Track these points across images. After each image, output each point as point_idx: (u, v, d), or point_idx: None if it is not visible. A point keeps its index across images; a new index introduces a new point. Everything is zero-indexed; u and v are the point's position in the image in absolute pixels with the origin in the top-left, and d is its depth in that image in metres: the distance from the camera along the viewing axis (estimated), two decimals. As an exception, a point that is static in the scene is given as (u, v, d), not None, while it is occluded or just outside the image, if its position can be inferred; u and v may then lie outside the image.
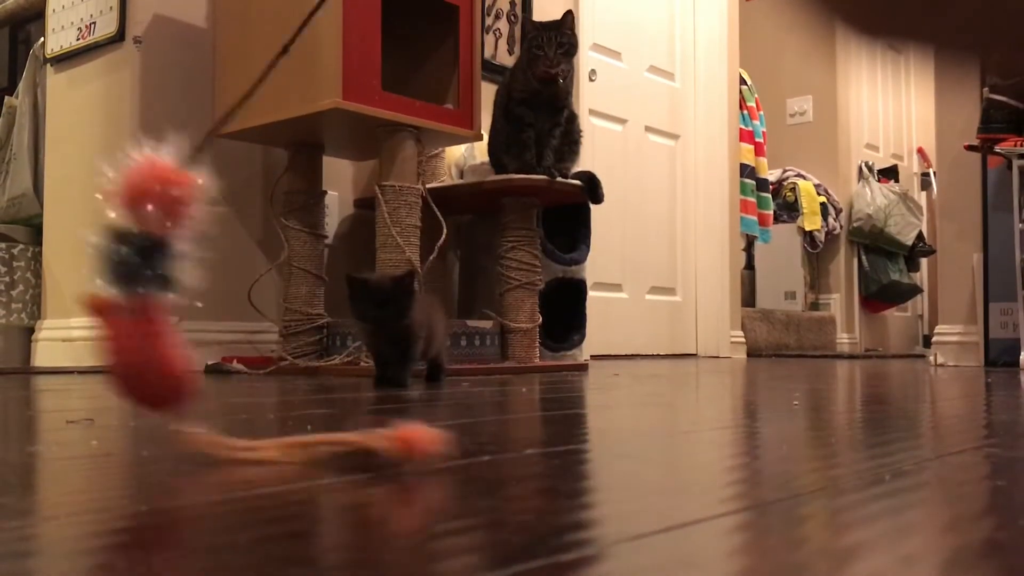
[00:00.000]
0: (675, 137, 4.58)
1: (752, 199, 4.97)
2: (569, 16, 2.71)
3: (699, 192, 4.62)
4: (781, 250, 5.44)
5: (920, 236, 5.85)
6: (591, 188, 2.89)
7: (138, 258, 0.77)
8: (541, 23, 2.73)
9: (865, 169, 5.80)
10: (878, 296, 5.79)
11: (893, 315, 6.23)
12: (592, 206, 3.08)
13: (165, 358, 0.77)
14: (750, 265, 5.54)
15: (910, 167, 6.52)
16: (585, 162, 3.01)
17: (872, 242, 5.70)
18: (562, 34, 2.68)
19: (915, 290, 6.02)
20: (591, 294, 3.29)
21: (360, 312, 1.72)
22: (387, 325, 1.73)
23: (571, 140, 2.84)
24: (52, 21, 2.82)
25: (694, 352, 4.60)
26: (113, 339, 0.77)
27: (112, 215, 0.78)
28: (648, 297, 4.37)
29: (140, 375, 0.78)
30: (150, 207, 0.77)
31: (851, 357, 4.84)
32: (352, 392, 1.71)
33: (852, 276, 5.75)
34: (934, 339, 3.64)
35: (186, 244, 0.79)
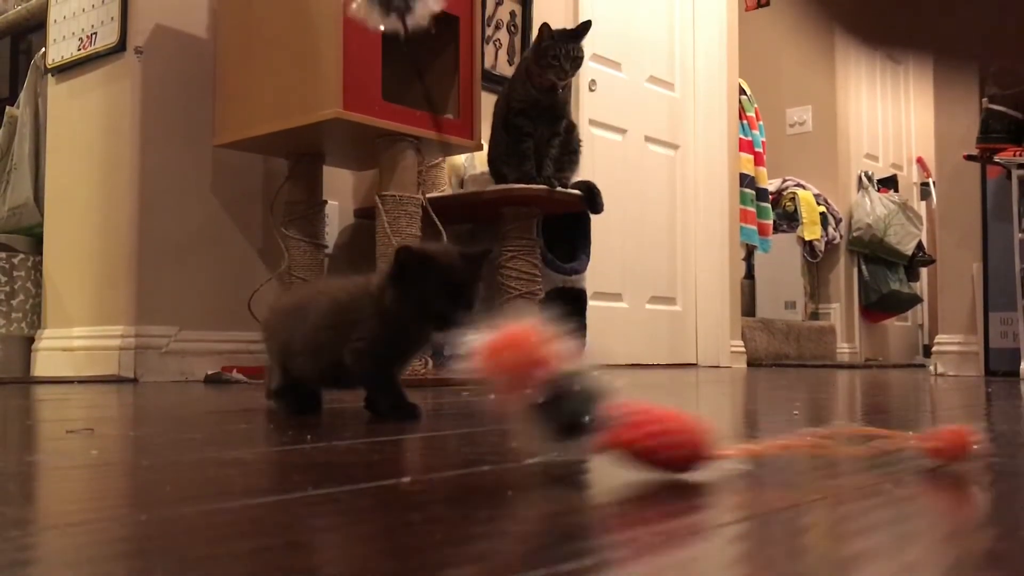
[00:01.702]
0: (675, 147, 4.58)
1: (752, 209, 4.97)
2: (587, 28, 2.73)
3: (699, 202, 4.62)
4: (781, 260, 5.44)
5: (920, 246, 5.86)
6: (591, 198, 2.90)
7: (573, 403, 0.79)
8: (560, 32, 2.73)
9: (865, 179, 5.81)
10: (878, 306, 5.79)
11: (893, 325, 6.22)
12: (592, 216, 3.08)
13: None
14: (750, 275, 5.54)
15: (909, 177, 6.52)
16: (585, 172, 3.01)
17: (872, 252, 5.70)
18: (578, 48, 2.70)
19: (915, 300, 6.02)
20: (591, 303, 3.29)
21: (428, 305, 1.22)
22: (452, 324, 1.23)
23: (570, 150, 2.84)
24: (53, 31, 2.83)
25: (694, 362, 4.60)
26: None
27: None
28: (648, 306, 4.37)
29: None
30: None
31: (851, 367, 4.84)
32: (352, 401, 1.70)
33: (852, 286, 5.75)
34: (934, 349, 3.64)
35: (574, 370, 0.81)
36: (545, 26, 2.72)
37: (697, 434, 0.77)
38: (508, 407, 0.78)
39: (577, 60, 2.71)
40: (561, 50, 2.67)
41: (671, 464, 0.75)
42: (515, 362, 0.77)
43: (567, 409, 0.78)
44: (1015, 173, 3.27)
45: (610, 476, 0.84)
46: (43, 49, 2.92)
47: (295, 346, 1.35)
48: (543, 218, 2.95)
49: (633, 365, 4.19)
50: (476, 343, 0.79)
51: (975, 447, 0.81)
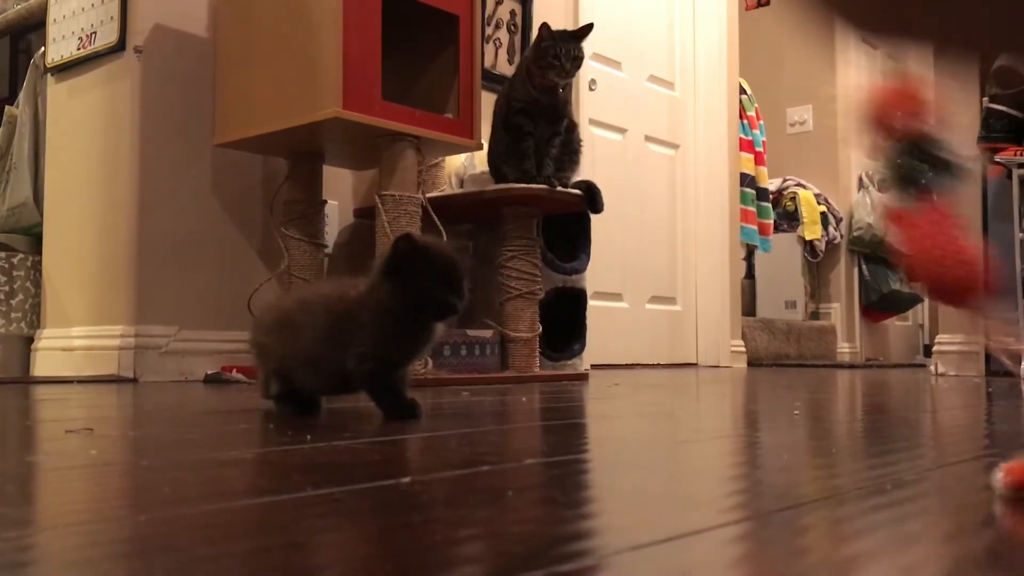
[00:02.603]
0: (675, 146, 4.58)
1: (752, 208, 4.97)
2: (589, 29, 2.73)
3: (699, 201, 4.62)
4: (781, 259, 5.44)
5: (920, 245, 5.85)
6: (591, 197, 2.90)
7: (918, 160, 0.86)
8: (561, 32, 2.73)
9: (865, 178, 5.81)
10: (879, 305, 5.79)
11: (894, 324, 6.22)
12: (592, 215, 3.08)
13: (961, 247, 0.83)
14: (750, 274, 5.54)
15: (910, 176, 6.52)
16: (585, 171, 3.01)
17: (873, 251, 5.70)
18: (578, 48, 2.70)
19: (916, 299, 6.02)
20: (591, 303, 3.28)
21: (426, 293, 1.23)
22: (450, 312, 1.25)
23: (571, 149, 2.84)
24: (53, 31, 2.83)
25: (694, 361, 4.60)
26: (912, 239, 0.84)
27: (872, 133, 0.86)
28: (648, 306, 4.37)
29: (940, 265, 0.83)
30: (908, 114, 0.86)
31: (852, 367, 4.84)
32: (351, 402, 1.71)
33: (853, 285, 5.75)
34: (935, 349, 3.64)
35: (938, 135, 0.88)
36: (544, 26, 2.72)
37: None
38: (879, 140, 0.87)
39: (578, 60, 2.71)
40: (561, 50, 2.67)
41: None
42: (905, 104, 0.86)
43: (919, 164, 0.86)
44: (1016, 172, 3.27)
45: (609, 476, 0.84)
46: (42, 48, 2.92)
47: (295, 359, 1.35)
48: (543, 218, 2.95)
49: (633, 365, 4.19)
50: (872, 87, 0.87)
51: None
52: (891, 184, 0.85)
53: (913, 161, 0.86)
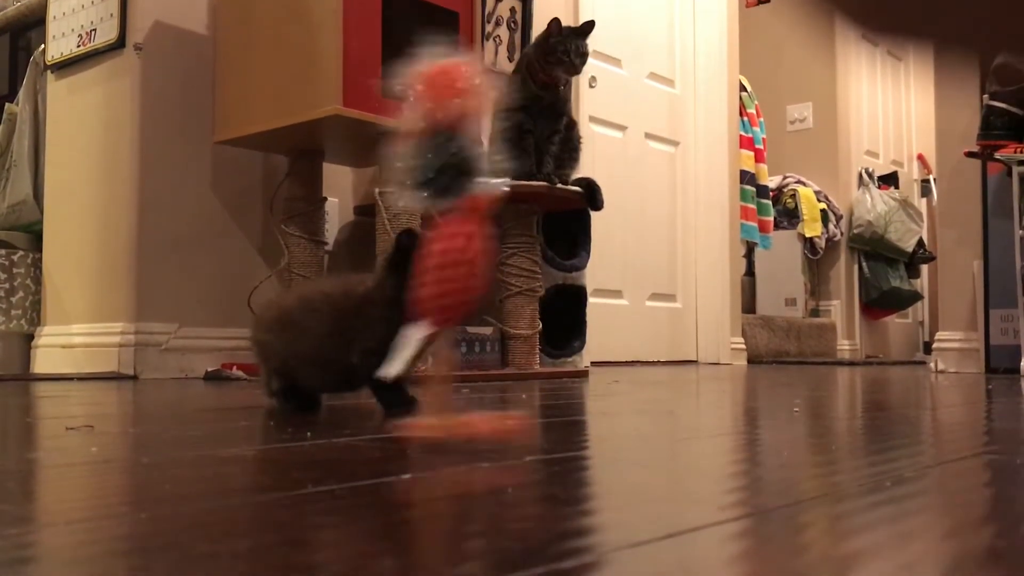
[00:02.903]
0: (675, 144, 4.58)
1: (752, 205, 4.97)
2: (591, 26, 2.76)
3: (699, 198, 4.62)
4: (781, 257, 5.44)
5: (920, 243, 5.85)
6: (591, 194, 2.90)
7: (454, 161, 0.84)
8: (570, 28, 2.77)
9: (865, 176, 5.80)
10: (879, 303, 5.79)
11: (894, 322, 6.22)
12: (592, 212, 3.08)
13: (481, 258, 0.83)
14: (750, 271, 5.54)
15: (910, 173, 6.52)
16: (585, 169, 3.01)
17: (872, 248, 5.70)
18: (584, 44, 2.73)
19: (915, 297, 6.02)
20: (591, 300, 3.29)
21: None
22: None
23: (571, 147, 2.84)
24: (53, 28, 2.83)
25: (694, 359, 4.60)
26: (439, 240, 0.83)
27: (409, 121, 0.85)
28: (648, 303, 4.37)
29: (462, 273, 0.83)
30: (456, 100, 0.83)
31: (852, 364, 4.84)
32: (351, 399, 1.71)
33: (852, 283, 5.75)
34: (935, 346, 3.64)
35: (482, 136, 0.87)
36: (556, 21, 2.73)
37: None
38: (409, 129, 0.84)
39: (584, 56, 2.74)
40: (572, 45, 2.69)
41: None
42: (444, 88, 0.82)
43: (444, 161, 0.82)
44: (1016, 170, 3.26)
45: (610, 473, 0.84)
46: (42, 46, 2.92)
47: (300, 358, 1.34)
48: (543, 215, 2.95)
49: (633, 362, 4.19)
50: (420, 67, 0.83)
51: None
52: (414, 179, 0.83)
53: (440, 159, 0.83)
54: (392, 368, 0.92)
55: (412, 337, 0.84)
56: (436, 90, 0.84)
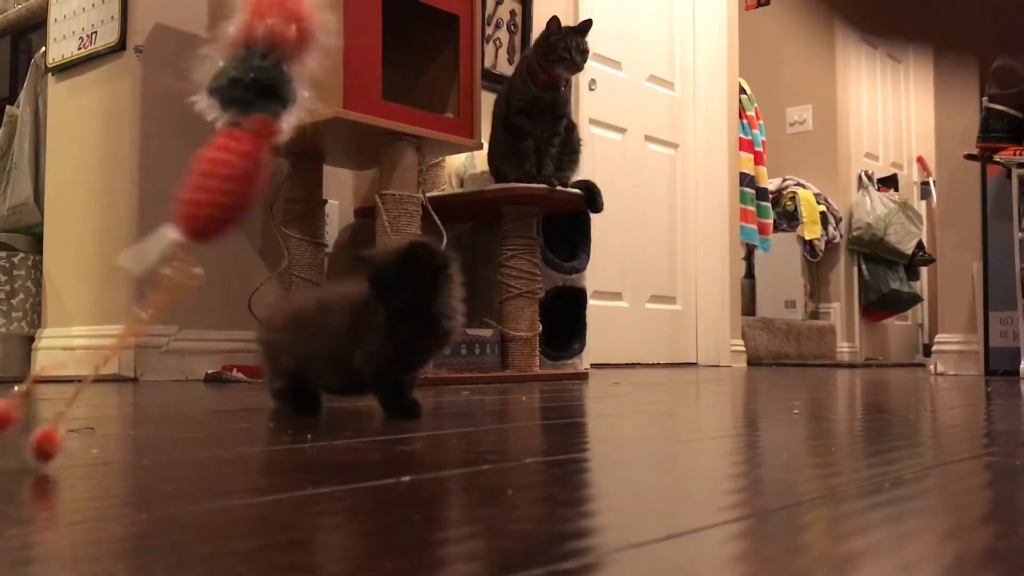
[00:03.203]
0: (675, 146, 4.58)
1: (752, 208, 4.97)
2: (589, 25, 2.77)
3: (699, 201, 4.62)
4: (781, 259, 5.44)
5: (920, 245, 5.86)
6: (591, 197, 2.90)
7: (253, 78, 0.85)
8: (569, 27, 2.77)
9: (865, 178, 5.81)
10: (878, 305, 5.79)
11: (893, 324, 6.22)
12: (592, 215, 3.09)
13: (246, 180, 0.83)
14: (750, 274, 5.55)
15: (910, 176, 6.52)
16: (585, 171, 3.01)
17: (872, 251, 5.70)
18: (585, 41, 2.73)
19: (915, 299, 6.02)
20: (591, 303, 3.29)
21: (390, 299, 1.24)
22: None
23: (570, 149, 2.85)
24: (54, 31, 2.83)
25: (694, 361, 4.60)
26: (211, 149, 0.84)
27: (231, 31, 0.84)
28: (648, 306, 4.37)
29: (222, 188, 0.83)
30: (278, 20, 0.84)
31: (851, 366, 4.84)
32: (351, 401, 1.71)
33: (852, 285, 5.75)
34: (934, 348, 3.64)
35: (302, 66, 0.87)
36: (555, 19, 2.73)
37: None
38: (227, 36, 0.84)
39: (585, 54, 2.74)
40: (572, 43, 2.69)
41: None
42: (271, 5, 0.83)
43: (241, 76, 0.83)
44: (1015, 172, 3.27)
45: (610, 475, 0.84)
46: (43, 48, 2.92)
47: (315, 358, 1.34)
48: (543, 217, 2.95)
49: (633, 364, 4.19)
50: None
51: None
52: (210, 84, 0.84)
53: (239, 72, 0.84)
54: (129, 259, 0.89)
55: (161, 236, 0.82)
56: (263, 5, 0.84)
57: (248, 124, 0.82)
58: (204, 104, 0.83)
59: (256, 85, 0.82)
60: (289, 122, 0.84)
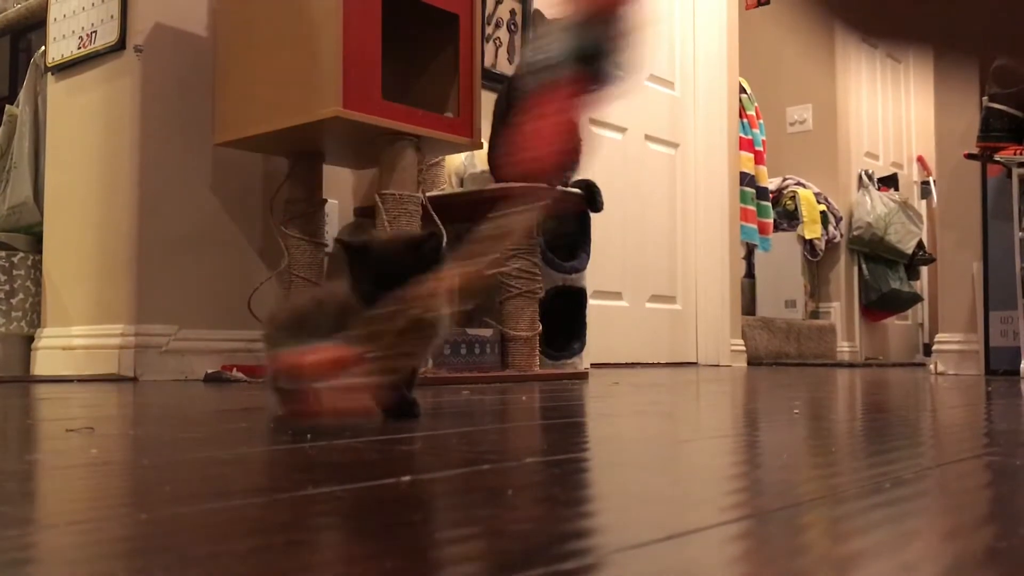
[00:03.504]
0: (675, 146, 4.58)
1: (752, 207, 4.97)
2: None
3: (699, 200, 4.62)
4: (781, 258, 5.44)
5: (920, 244, 5.86)
6: (590, 196, 2.90)
7: (596, 45, 0.95)
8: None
9: (865, 177, 5.81)
10: (878, 304, 5.79)
11: (893, 323, 6.22)
12: (592, 214, 3.09)
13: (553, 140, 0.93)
14: (750, 273, 5.55)
15: (910, 175, 6.52)
16: (585, 170, 3.01)
17: (872, 250, 5.70)
18: None
19: (915, 298, 6.02)
20: (591, 302, 3.29)
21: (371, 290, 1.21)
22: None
23: (571, 148, 2.85)
24: (53, 30, 2.83)
25: (694, 360, 4.60)
26: (539, 112, 0.94)
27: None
28: (648, 305, 4.37)
29: (551, 136, 0.94)
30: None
31: (851, 365, 4.84)
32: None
33: (852, 284, 5.75)
34: (934, 347, 3.64)
35: (626, 38, 0.96)
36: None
37: None
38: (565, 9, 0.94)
39: None
40: None
41: None
42: None
43: (588, 47, 0.93)
44: (1015, 172, 3.27)
45: (610, 475, 0.84)
46: (43, 47, 2.92)
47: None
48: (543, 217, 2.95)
49: (633, 364, 4.19)
50: None
51: None
52: (562, 55, 0.93)
53: (590, 42, 0.93)
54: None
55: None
56: None
57: (564, 90, 0.95)
58: (543, 65, 0.95)
59: (588, 52, 0.95)
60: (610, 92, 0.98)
